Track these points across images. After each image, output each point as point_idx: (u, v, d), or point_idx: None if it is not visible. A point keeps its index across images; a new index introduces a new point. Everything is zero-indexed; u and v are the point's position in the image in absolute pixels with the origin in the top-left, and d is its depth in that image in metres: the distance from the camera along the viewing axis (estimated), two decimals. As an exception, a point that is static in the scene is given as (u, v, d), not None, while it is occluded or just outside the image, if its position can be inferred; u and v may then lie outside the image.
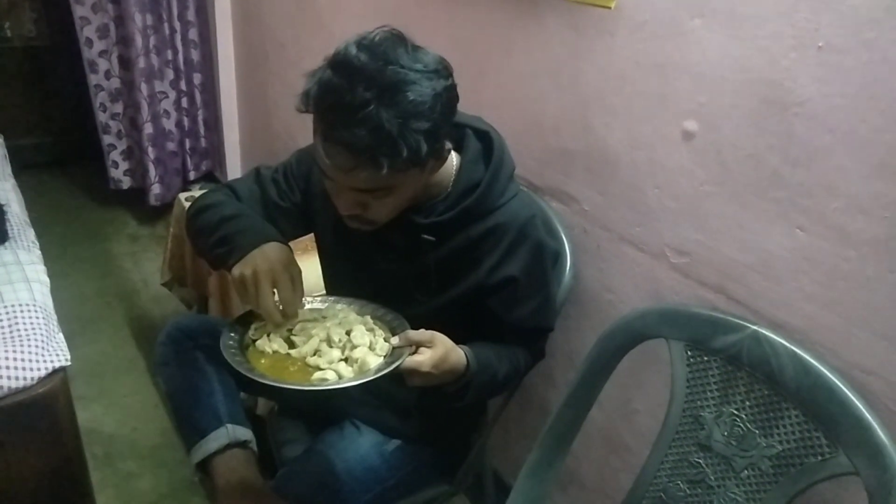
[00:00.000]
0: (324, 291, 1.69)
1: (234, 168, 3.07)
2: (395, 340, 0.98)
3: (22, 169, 2.49)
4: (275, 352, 0.99)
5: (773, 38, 0.89)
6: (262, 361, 0.97)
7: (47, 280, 1.54)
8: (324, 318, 1.05)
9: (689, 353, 1.03)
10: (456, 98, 0.95)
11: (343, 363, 0.96)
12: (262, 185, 1.18)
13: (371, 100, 0.84)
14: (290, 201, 1.18)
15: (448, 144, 0.98)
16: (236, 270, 0.97)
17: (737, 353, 0.97)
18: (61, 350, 1.35)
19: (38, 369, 1.28)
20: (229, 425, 1.21)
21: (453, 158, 1.08)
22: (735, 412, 0.98)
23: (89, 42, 2.73)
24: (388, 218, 1.01)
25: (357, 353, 0.96)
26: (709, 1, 0.96)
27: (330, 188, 0.99)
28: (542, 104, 1.29)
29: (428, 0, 1.56)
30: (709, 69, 0.98)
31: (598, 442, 1.34)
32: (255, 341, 1.01)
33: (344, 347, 0.98)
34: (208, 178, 3.21)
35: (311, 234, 1.27)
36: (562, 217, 1.29)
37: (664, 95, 1.06)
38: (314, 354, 0.98)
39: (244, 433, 1.22)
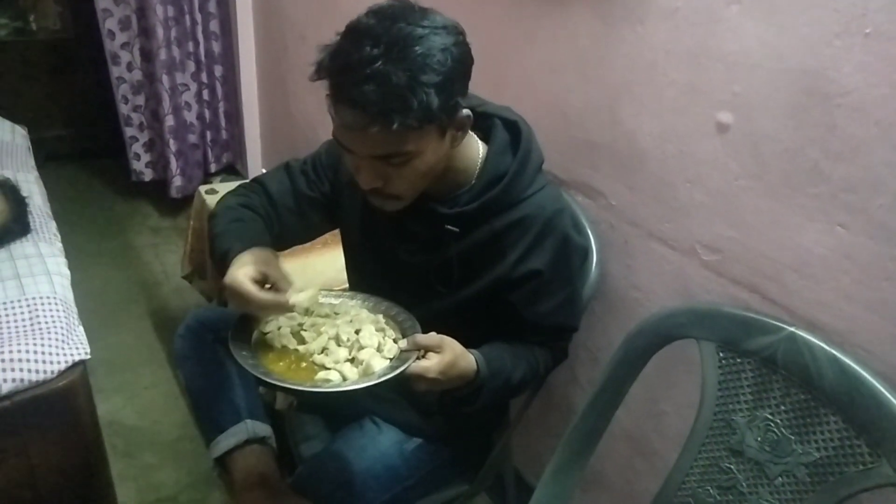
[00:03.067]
0: (345, 285, 1.67)
1: (255, 160, 3.07)
2: (402, 343, 0.95)
3: (45, 161, 2.52)
4: (283, 346, 0.98)
5: (816, 25, 0.84)
6: (270, 356, 0.96)
7: (68, 273, 1.54)
8: (336, 314, 1.03)
9: (721, 354, 0.99)
10: (469, 56, 0.92)
11: (348, 364, 0.94)
12: (291, 177, 1.17)
13: (378, 56, 0.83)
14: (319, 191, 1.16)
15: (467, 111, 0.95)
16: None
17: (772, 356, 0.93)
18: (81, 343, 1.35)
19: (59, 362, 1.28)
20: (248, 421, 1.20)
21: (480, 148, 1.05)
22: (769, 417, 0.94)
23: (111, 34, 2.73)
24: (410, 193, 0.98)
25: (363, 355, 0.94)
26: (746, -14, 0.92)
27: (352, 165, 0.96)
28: (567, 95, 1.25)
29: (450, -11, 1.53)
30: (745, 58, 0.94)
31: (622, 442, 1.31)
32: (265, 334, 1.00)
33: (352, 347, 0.96)
34: (229, 170, 3.21)
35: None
36: (587, 212, 1.25)
37: (697, 85, 1.01)
38: (322, 352, 0.96)
39: (263, 429, 1.21)
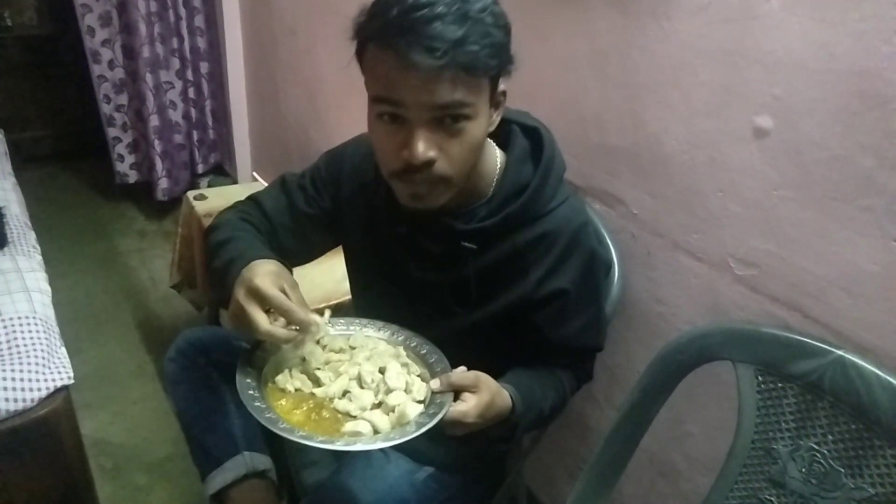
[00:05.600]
0: (345, 297, 1.59)
1: (244, 160, 2.97)
2: (434, 385, 0.86)
3: (24, 163, 2.42)
4: (297, 390, 0.87)
5: (871, 22, 0.77)
6: (282, 402, 0.85)
7: (48, 289, 1.45)
8: (351, 348, 0.93)
9: (761, 378, 0.92)
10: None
11: (377, 411, 0.84)
12: (288, 193, 1.08)
13: None
14: (319, 207, 1.08)
15: (503, 87, 0.89)
16: (231, 308, 0.88)
17: (817, 381, 0.86)
18: (63, 367, 1.26)
19: (39, 389, 1.19)
20: (247, 453, 1.12)
21: (498, 156, 0.97)
22: (815, 447, 0.87)
23: (91, 31, 2.62)
24: (459, 176, 0.87)
25: (393, 399, 0.84)
26: (789, -21, 0.84)
27: (399, 139, 0.85)
28: (584, 95, 1.17)
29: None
30: (787, 57, 0.86)
31: (644, 463, 1.24)
32: (273, 377, 0.89)
33: (377, 389, 0.86)
34: (217, 170, 3.11)
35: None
36: (606, 221, 1.17)
37: (731, 87, 0.93)
38: (343, 396, 0.86)
39: (262, 461, 1.13)
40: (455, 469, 1.13)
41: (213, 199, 2.02)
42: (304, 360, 0.90)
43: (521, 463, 1.22)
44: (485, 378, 0.86)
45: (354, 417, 0.83)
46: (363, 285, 1.16)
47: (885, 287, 0.82)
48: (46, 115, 3.44)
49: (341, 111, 2.10)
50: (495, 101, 0.89)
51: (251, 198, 1.11)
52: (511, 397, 0.90)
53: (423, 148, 0.82)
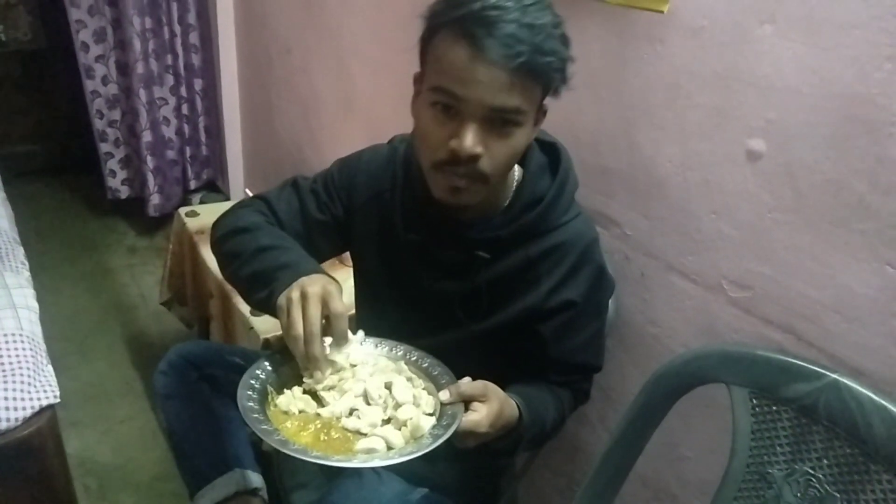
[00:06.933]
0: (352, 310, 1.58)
1: (237, 177, 2.96)
2: (444, 396, 0.85)
3: (14, 177, 2.39)
4: (301, 412, 0.84)
5: (864, 47, 0.77)
6: (288, 424, 0.82)
7: (36, 306, 1.43)
8: (352, 365, 0.91)
9: (755, 401, 0.91)
10: None
11: (388, 426, 0.82)
12: (300, 196, 1.08)
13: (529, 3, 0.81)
14: (331, 213, 1.07)
15: (546, 111, 0.93)
16: (281, 298, 0.86)
17: (812, 404, 0.85)
18: (50, 385, 1.23)
19: (24, 408, 1.17)
20: (238, 470, 1.10)
21: (515, 169, 0.99)
22: (810, 471, 0.87)
23: (85, 46, 2.62)
24: (497, 177, 0.90)
25: (403, 414, 0.82)
26: (781, 4, 0.85)
27: (449, 131, 0.85)
28: (579, 117, 1.18)
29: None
30: (780, 82, 0.86)
31: (637, 486, 1.22)
32: (274, 399, 0.87)
33: (386, 405, 0.84)
34: (210, 187, 3.09)
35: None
36: (600, 242, 1.17)
37: (725, 110, 0.94)
38: (350, 414, 0.84)
39: (254, 479, 1.11)
40: (449, 491, 1.12)
41: (205, 216, 2.00)
42: (302, 379, 0.88)
43: (516, 485, 1.20)
44: (492, 387, 0.86)
45: (364, 435, 0.82)
46: (370, 294, 1.15)
47: (879, 311, 0.82)
48: (38, 129, 3.42)
49: (336, 129, 2.10)
50: (538, 116, 0.91)
51: (262, 198, 1.09)
52: (518, 406, 0.90)
53: (473, 142, 0.84)
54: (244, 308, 1.57)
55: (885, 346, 0.82)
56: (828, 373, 0.84)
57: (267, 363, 0.91)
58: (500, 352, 1.01)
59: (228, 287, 1.64)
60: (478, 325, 1.01)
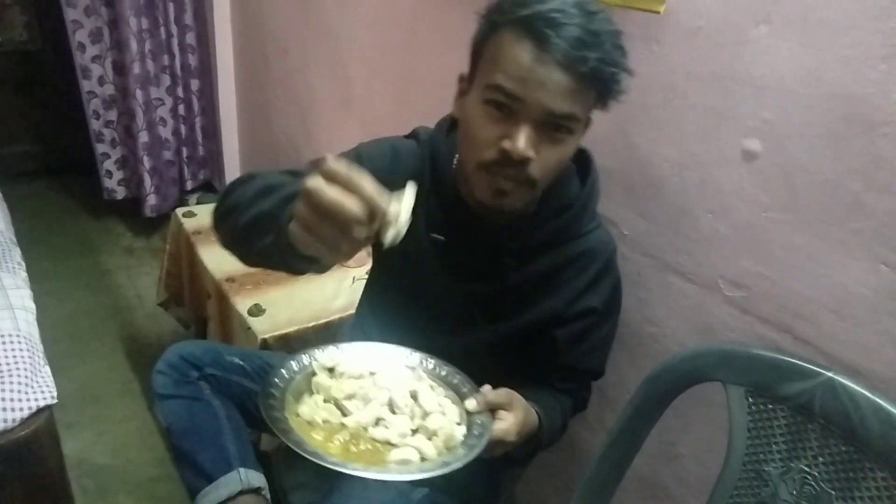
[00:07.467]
0: (333, 316, 1.58)
1: (234, 177, 2.94)
2: (471, 405, 0.84)
3: (10, 178, 2.39)
4: (325, 421, 0.81)
5: (859, 48, 0.78)
6: (314, 435, 0.79)
7: (33, 306, 1.42)
8: (371, 373, 0.88)
9: (751, 399, 0.92)
10: None
11: (419, 436, 0.80)
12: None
13: (601, 17, 0.80)
14: None
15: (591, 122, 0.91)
16: (296, 205, 0.66)
17: (808, 402, 0.86)
18: (47, 386, 1.23)
19: (21, 409, 1.16)
20: (241, 469, 1.09)
21: None
22: (806, 469, 0.87)
23: (82, 47, 2.61)
24: (543, 182, 0.87)
25: (433, 423, 0.80)
26: (777, 5, 0.85)
27: (502, 131, 0.82)
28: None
29: (442, 2, 1.46)
30: (776, 82, 0.87)
31: (635, 485, 1.23)
32: (295, 409, 0.83)
33: (413, 414, 0.82)
34: (206, 187, 3.09)
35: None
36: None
37: (721, 110, 0.94)
38: (376, 424, 0.81)
39: (257, 479, 1.10)
40: (450, 491, 1.12)
41: (202, 216, 2.00)
42: (317, 387, 0.85)
43: (514, 485, 1.21)
44: (516, 395, 0.87)
45: (394, 446, 0.79)
46: (383, 291, 1.13)
47: (874, 309, 0.83)
48: (34, 130, 3.41)
49: (333, 130, 2.10)
50: (585, 127, 0.89)
51: (289, 171, 0.93)
52: (537, 413, 0.90)
53: (526, 144, 0.81)
54: (242, 308, 1.57)
55: (880, 345, 0.83)
56: (823, 371, 0.84)
57: (283, 371, 0.87)
58: (510, 355, 1.01)
59: (226, 287, 1.65)
60: (496, 329, 1.00)
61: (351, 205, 0.60)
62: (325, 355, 0.91)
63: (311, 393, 0.86)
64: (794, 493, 0.88)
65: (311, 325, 1.54)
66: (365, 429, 0.81)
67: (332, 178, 0.61)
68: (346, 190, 0.61)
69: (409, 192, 0.67)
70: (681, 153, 1.02)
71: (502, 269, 0.97)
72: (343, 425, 0.81)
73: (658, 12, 0.98)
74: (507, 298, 0.98)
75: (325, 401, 0.84)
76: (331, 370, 0.90)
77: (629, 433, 1.03)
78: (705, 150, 0.98)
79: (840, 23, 0.79)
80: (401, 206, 0.65)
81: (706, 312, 1.04)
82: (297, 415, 0.82)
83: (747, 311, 0.98)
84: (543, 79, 0.78)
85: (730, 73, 0.92)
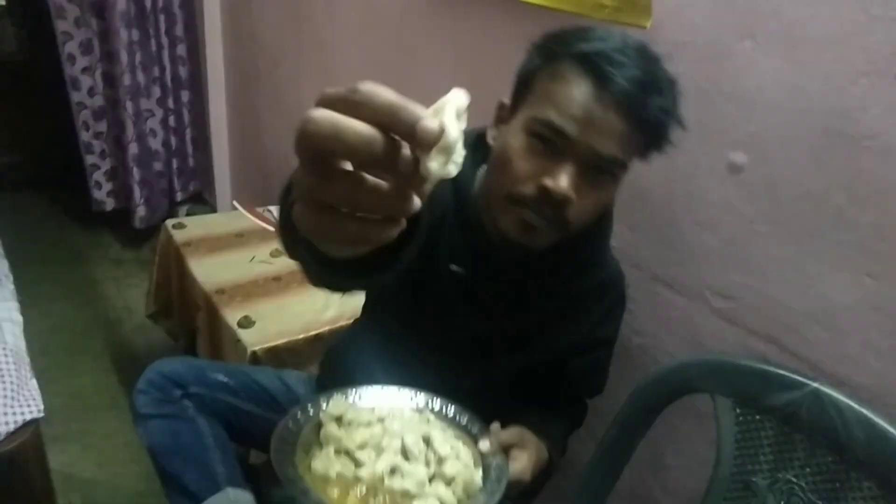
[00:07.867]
0: (325, 327, 1.57)
1: (224, 189, 2.95)
2: (485, 447, 0.81)
3: (-2, 190, 2.38)
4: (338, 475, 0.75)
5: (840, 63, 0.79)
6: (329, 492, 0.73)
7: (20, 318, 1.42)
8: (380, 420, 0.84)
9: (739, 410, 0.92)
10: None
11: (437, 483, 0.76)
12: None
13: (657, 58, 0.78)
14: None
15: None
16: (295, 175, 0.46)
17: (794, 413, 0.86)
18: (34, 399, 1.22)
19: (7, 423, 1.16)
20: (229, 489, 1.08)
21: None
22: (793, 479, 0.88)
23: (71, 58, 2.61)
24: (576, 226, 0.81)
25: (451, 469, 0.76)
26: (761, 21, 0.87)
27: (546, 168, 0.77)
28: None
29: (432, 13, 1.47)
30: (760, 96, 0.88)
31: (625, 495, 1.23)
32: (307, 462, 0.77)
33: (428, 460, 0.78)
34: (196, 199, 3.08)
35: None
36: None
37: (707, 124, 0.96)
38: (392, 473, 0.76)
39: (245, 498, 1.09)
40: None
41: (192, 228, 2.00)
42: (327, 439, 0.80)
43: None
44: (526, 432, 0.85)
45: (414, 496, 0.74)
46: (390, 319, 1.06)
47: (858, 321, 0.84)
48: (23, 141, 3.40)
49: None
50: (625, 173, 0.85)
51: None
52: (547, 449, 0.91)
53: (568, 184, 0.76)
54: (231, 320, 1.56)
55: (863, 356, 0.84)
56: (809, 381, 0.85)
57: (290, 423, 0.82)
58: (520, 386, 1.01)
59: (215, 299, 1.64)
60: (512, 362, 0.98)
61: (356, 126, 0.38)
62: (332, 405, 0.86)
63: (321, 446, 0.80)
64: (782, 503, 0.88)
65: (301, 336, 1.53)
66: (381, 480, 0.76)
67: (331, 104, 0.40)
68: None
69: (457, 99, 0.44)
70: (667, 165, 1.02)
71: (524, 303, 0.93)
72: (358, 478, 0.76)
73: (645, 27, 0.99)
74: (529, 332, 0.96)
75: (335, 452, 0.79)
76: (338, 419, 0.84)
77: (618, 444, 1.03)
78: (692, 163, 0.99)
79: (823, 39, 0.81)
80: (445, 121, 0.41)
81: (693, 323, 1.05)
82: (310, 468, 0.76)
83: (734, 322, 0.99)
84: (598, 120, 0.74)
85: (716, 87, 0.93)
